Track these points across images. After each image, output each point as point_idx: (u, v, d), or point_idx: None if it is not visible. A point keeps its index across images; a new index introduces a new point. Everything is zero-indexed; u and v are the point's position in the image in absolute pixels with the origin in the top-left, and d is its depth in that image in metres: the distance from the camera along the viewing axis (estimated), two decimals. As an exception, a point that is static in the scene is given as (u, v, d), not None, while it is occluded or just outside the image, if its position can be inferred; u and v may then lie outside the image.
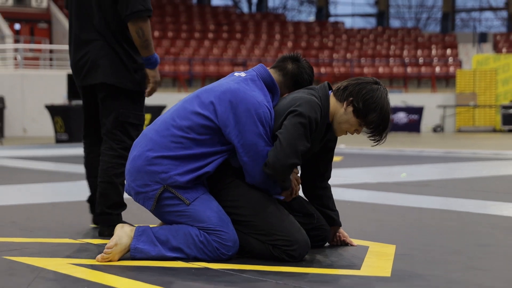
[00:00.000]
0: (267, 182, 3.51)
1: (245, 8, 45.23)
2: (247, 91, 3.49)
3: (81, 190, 6.79)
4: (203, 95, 3.54)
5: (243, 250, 3.53)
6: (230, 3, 44.11)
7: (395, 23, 43.38)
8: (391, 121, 3.55)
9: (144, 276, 3.17)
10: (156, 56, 4.43)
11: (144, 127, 4.16)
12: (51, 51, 25.79)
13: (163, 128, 3.54)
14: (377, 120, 3.50)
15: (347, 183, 7.45)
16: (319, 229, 3.77)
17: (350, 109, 3.51)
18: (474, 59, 27.79)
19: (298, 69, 3.71)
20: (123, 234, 3.45)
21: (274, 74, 3.71)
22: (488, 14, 40.94)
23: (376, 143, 3.57)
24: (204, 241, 3.43)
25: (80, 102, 16.39)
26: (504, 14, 38.81)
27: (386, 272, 3.29)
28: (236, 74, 3.67)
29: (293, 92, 3.64)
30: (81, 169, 9.36)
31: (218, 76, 27.20)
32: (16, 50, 23.63)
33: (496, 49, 33.46)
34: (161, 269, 3.34)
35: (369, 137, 3.58)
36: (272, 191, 3.56)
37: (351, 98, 3.51)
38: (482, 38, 35.03)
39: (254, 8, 43.62)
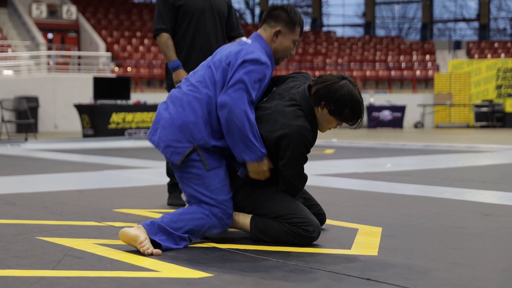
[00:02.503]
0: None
1: (249, 19, 45.14)
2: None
3: (104, 179, 6.77)
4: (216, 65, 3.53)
5: (262, 234, 3.47)
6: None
7: (380, 32, 43.25)
8: (363, 108, 3.48)
9: (158, 255, 3.15)
10: (171, 63, 4.74)
11: None
12: (79, 57, 25.77)
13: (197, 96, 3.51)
14: (350, 114, 3.43)
15: (339, 172, 7.43)
16: (318, 215, 3.74)
17: (325, 111, 3.44)
18: (450, 64, 27.71)
19: (288, 16, 3.65)
20: (138, 232, 3.25)
21: (267, 29, 3.65)
22: (462, 25, 40.78)
23: (355, 128, 3.53)
24: (210, 214, 3.40)
25: (104, 101, 16.44)
26: (476, 24, 38.68)
27: (374, 251, 3.26)
28: (243, 39, 3.65)
29: (275, 109, 3.45)
30: (105, 160, 9.38)
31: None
32: (49, 56, 23.62)
33: (469, 55, 33.38)
34: (175, 248, 3.32)
35: (349, 125, 3.52)
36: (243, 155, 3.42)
37: (323, 102, 3.42)
38: (457, 45, 34.94)
39: (257, 19, 43.53)
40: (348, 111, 3.42)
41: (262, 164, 3.43)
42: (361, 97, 3.47)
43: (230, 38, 5.06)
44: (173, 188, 4.92)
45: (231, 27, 5.04)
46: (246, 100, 3.39)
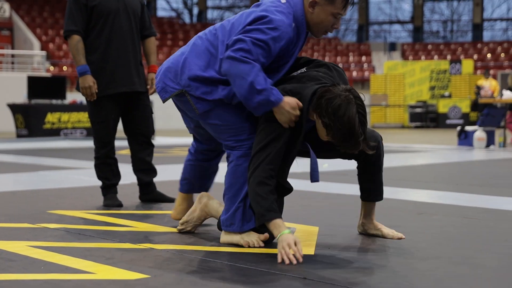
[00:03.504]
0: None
1: (187, 19, 44.95)
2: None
3: (39, 180, 6.65)
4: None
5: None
6: (173, 14, 43.77)
7: (317, 33, 43.65)
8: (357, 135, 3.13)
9: (94, 256, 3.11)
10: (79, 67, 4.75)
11: None
12: (12, 55, 25.22)
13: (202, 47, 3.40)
14: (341, 137, 3.14)
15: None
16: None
17: (320, 121, 3.19)
18: (385, 65, 28.16)
19: None
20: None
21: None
22: (397, 27, 41.47)
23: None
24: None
25: (38, 101, 16.12)
26: (410, 26, 39.40)
27: (311, 250, 3.29)
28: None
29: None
30: (39, 160, 9.20)
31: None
32: (-20, 54, 23.05)
33: (404, 56, 33.98)
34: (110, 249, 3.28)
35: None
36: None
37: (318, 111, 3.15)
38: (392, 47, 35.52)
39: (195, 19, 43.38)
40: (340, 133, 3.13)
41: (283, 106, 3.17)
42: (359, 123, 3.17)
43: (143, 37, 5.05)
44: (107, 190, 4.87)
45: (143, 26, 5.04)
46: (247, 66, 3.15)
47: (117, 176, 4.95)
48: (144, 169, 5.01)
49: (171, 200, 4.94)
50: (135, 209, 4.74)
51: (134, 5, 4.93)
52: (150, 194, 5.01)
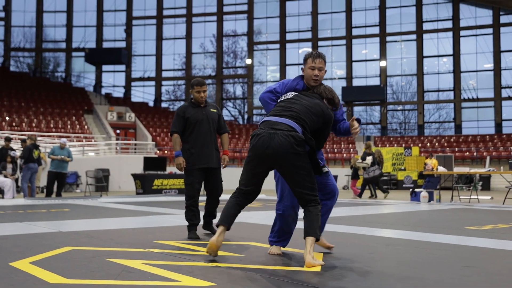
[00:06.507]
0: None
1: (240, 121, 45.02)
2: None
3: (149, 221, 6.65)
4: None
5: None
6: (232, 118, 44.00)
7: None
8: None
9: (182, 270, 3.05)
10: (175, 152, 4.86)
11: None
12: (135, 144, 25.71)
13: None
14: None
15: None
16: None
17: None
18: (363, 151, 27.84)
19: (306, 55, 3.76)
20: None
21: None
22: (371, 126, 41.34)
23: None
24: None
25: (150, 172, 16.31)
26: (379, 126, 39.25)
27: (317, 268, 3.17)
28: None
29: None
30: (149, 209, 9.22)
31: None
32: (116, 144, 23.56)
33: (375, 145, 33.63)
34: (192, 266, 3.22)
35: None
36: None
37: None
38: (368, 139, 35.21)
39: (245, 121, 43.52)
40: None
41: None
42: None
43: (220, 133, 5.20)
44: (191, 227, 4.87)
45: (219, 127, 5.16)
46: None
47: (198, 218, 4.94)
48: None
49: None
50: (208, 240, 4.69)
51: (213, 116, 5.09)
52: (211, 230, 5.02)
